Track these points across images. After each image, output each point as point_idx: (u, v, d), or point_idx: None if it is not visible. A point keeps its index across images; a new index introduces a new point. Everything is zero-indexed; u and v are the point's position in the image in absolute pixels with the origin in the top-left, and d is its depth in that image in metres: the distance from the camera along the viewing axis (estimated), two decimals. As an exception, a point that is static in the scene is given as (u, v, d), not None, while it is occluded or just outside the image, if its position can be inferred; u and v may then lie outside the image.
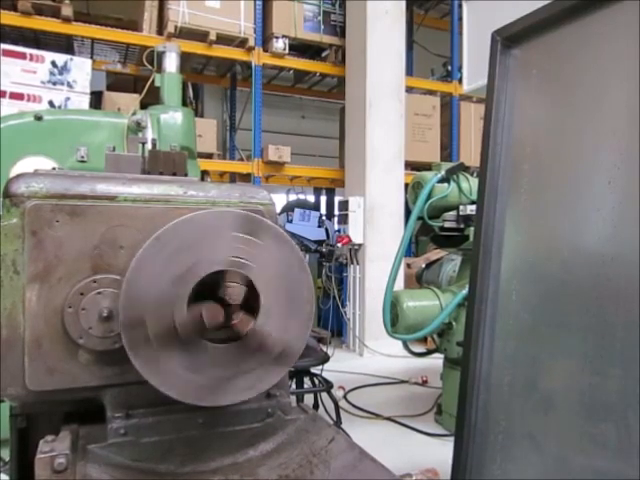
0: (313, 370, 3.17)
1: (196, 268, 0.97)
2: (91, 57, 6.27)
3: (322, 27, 6.65)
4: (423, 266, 4.28)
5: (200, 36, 5.87)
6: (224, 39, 5.99)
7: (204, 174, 4.40)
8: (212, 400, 1.01)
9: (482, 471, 1.57)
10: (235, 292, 0.95)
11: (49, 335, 0.99)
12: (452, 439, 1.67)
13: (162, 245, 0.96)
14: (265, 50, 6.35)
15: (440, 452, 3.03)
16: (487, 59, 1.68)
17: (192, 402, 0.98)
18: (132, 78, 6.89)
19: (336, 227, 6.58)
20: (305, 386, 3.22)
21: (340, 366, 4.95)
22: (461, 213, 3.35)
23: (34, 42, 5.85)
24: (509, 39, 1.63)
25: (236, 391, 1.03)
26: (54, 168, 2.06)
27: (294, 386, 3.08)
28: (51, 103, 4.55)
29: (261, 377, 1.04)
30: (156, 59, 3.27)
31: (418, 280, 4.24)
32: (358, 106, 6.09)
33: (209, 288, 0.99)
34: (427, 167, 4.26)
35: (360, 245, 5.91)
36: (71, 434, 0.99)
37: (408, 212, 3.75)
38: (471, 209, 3.26)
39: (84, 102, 4.72)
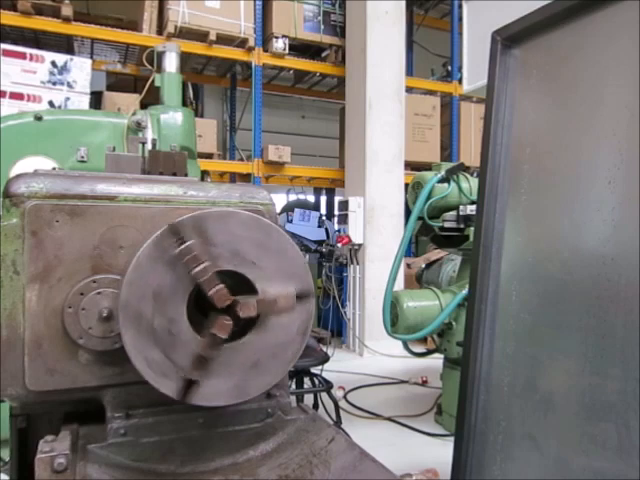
0: (313, 370, 3.17)
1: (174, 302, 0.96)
2: (91, 57, 6.27)
3: (322, 27, 6.65)
4: (423, 266, 4.28)
5: (200, 36, 5.88)
6: (224, 39, 6.00)
7: (204, 174, 4.40)
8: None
9: (482, 471, 1.57)
10: (220, 296, 0.93)
11: (49, 335, 0.99)
12: (452, 439, 1.67)
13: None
14: (265, 50, 6.35)
15: (440, 452, 3.03)
16: (487, 59, 1.68)
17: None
18: (132, 78, 6.90)
19: (336, 227, 6.58)
20: (305, 386, 3.22)
21: (340, 366, 4.96)
22: (461, 213, 3.35)
23: (34, 42, 5.85)
24: (509, 39, 1.63)
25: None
26: (54, 168, 2.06)
27: (294, 386, 3.08)
28: (51, 103, 4.55)
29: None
30: (156, 59, 3.27)
31: (418, 280, 4.24)
32: (358, 106, 6.09)
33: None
34: (427, 167, 4.26)
35: (360, 245, 5.91)
36: (71, 434, 0.99)
37: (408, 212, 3.75)
38: (471, 209, 3.26)
39: (84, 102, 4.72)
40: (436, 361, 3.85)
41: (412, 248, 8.02)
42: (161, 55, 3.24)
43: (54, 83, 4.59)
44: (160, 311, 0.95)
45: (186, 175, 1.37)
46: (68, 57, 4.76)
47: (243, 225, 1.00)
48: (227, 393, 1.00)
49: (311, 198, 10.31)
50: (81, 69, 4.72)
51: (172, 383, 0.95)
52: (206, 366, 0.96)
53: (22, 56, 4.54)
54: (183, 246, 0.94)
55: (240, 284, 1.00)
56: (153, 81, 3.25)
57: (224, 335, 0.92)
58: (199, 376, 0.96)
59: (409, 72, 7.67)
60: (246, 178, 6.51)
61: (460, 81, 4.94)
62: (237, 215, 1.01)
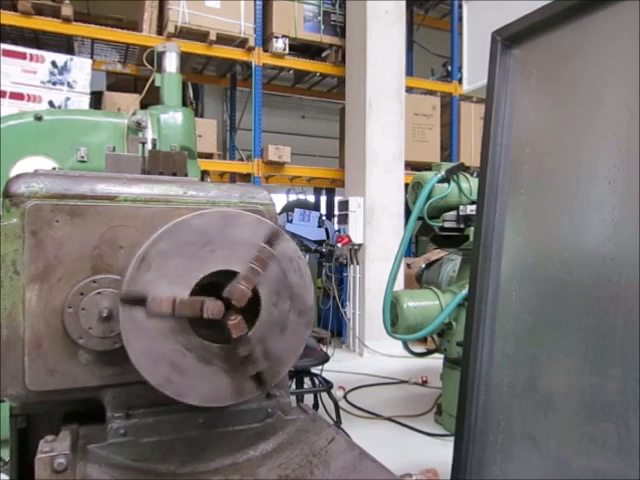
0: (313, 370, 3.17)
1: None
2: (91, 57, 6.26)
3: (322, 27, 6.65)
4: (423, 266, 4.28)
5: (200, 36, 5.88)
6: (224, 39, 5.99)
7: (204, 174, 4.40)
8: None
9: (482, 471, 1.57)
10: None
11: (49, 335, 0.99)
12: (452, 439, 1.67)
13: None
14: (265, 50, 6.35)
15: (440, 452, 3.03)
16: (487, 59, 1.68)
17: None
18: (132, 78, 6.90)
19: (336, 227, 6.57)
20: (305, 386, 3.22)
21: (340, 366, 4.96)
22: (461, 213, 3.35)
23: (34, 42, 5.85)
24: (509, 39, 1.63)
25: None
26: (54, 168, 2.06)
27: (294, 386, 3.08)
28: (51, 103, 4.55)
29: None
30: (156, 59, 3.27)
31: (418, 280, 4.24)
32: (358, 106, 6.09)
33: (212, 288, 0.99)
34: (427, 167, 4.26)
35: (360, 245, 5.91)
36: (71, 434, 0.99)
37: (408, 212, 3.75)
38: (471, 209, 3.26)
39: (84, 102, 4.72)
40: (436, 361, 3.85)
41: (412, 248, 8.02)
42: (161, 55, 3.24)
43: (54, 83, 4.59)
44: (183, 356, 0.96)
45: (186, 175, 1.37)
46: (68, 57, 4.76)
47: (173, 239, 1.00)
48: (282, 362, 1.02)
49: (311, 198, 10.31)
50: (81, 69, 4.72)
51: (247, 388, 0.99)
52: (254, 358, 0.97)
53: (22, 56, 4.54)
54: (148, 304, 0.93)
55: (219, 275, 1.00)
56: (153, 81, 3.25)
57: (243, 331, 0.94)
58: (257, 368, 0.98)
59: (409, 72, 7.67)
60: (246, 178, 6.51)
61: (460, 81, 4.94)
62: (163, 235, 0.99)
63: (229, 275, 0.98)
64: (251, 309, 0.99)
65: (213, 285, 0.98)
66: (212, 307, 0.92)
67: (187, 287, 0.96)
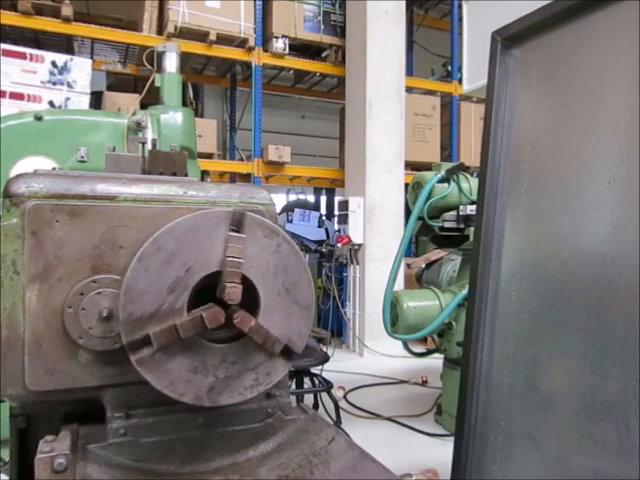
0: (313, 370, 3.17)
1: (191, 272, 0.97)
2: (91, 57, 6.26)
3: (322, 27, 6.65)
4: (423, 266, 4.28)
5: (200, 36, 5.88)
6: (224, 39, 5.99)
7: (204, 174, 4.40)
8: (213, 400, 1.01)
9: (482, 471, 1.57)
10: (233, 292, 0.95)
11: (49, 335, 0.99)
12: (452, 439, 1.67)
13: (157, 249, 0.96)
14: (265, 50, 6.35)
15: (440, 452, 3.03)
16: (487, 59, 1.68)
17: (192, 402, 0.98)
18: (132, 78, 6.89)
19: (336, 227, 6.58)
20: (305, 386, 3.22)
21: (340, 366, 4.95)
22: (461, 213, 3.35)
23: (34, 42, 5.85)
24: (509, 39, 1.63)
25: (237, 391, 1.03)
26: (54, 168, 2.06)
27: (294, 386, 3.08)
28: (51, 103, 4.55)
29: (263, 375, 1.04)
30: (156, 59, 3.27)
31: (418, 280, 4.24)
32: (358, 106, 6.09)
33: (210, 289, 0.99)
34: (427, 167, 4.26)
35: (360, 245, 5.91)
36: (71, 434, 0.99)
37: (408, 212, 3.75)
38: (471, 209, 3.26)
39: (84, 102, 4.72)
40: (436, 361, 3.85)
41: (412, 248, 8.02)
42: (161, 55, 3.24)
43: (54, 83, 4.59)
44: (177, 268, 0.97)
45: (186, 175, 1.37)
46: (68, 57, 4.76)
47: (288, 255, 1.05)
48: (163, 379, 0.97)
49: (311, 198, 10.31)
50: (81, 69, 4.72)
51: (133, 332, 0.95)
52: (173, 342, 0.95)
53: (22, 56, 4.54)
54: (236, 235, 0.98)
55: (245, 302, 1.00)
56: (153, 81, 3.25)
57: (211, 324, 0.93)
58: (158, 343, 0.94)
59: (409, 72, 7.67)
60: (246, 178, 6.51)
61: (460, 81, 4.94)
62: (290, 244, 1.06)
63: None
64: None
65: (212, 285, 0.99)
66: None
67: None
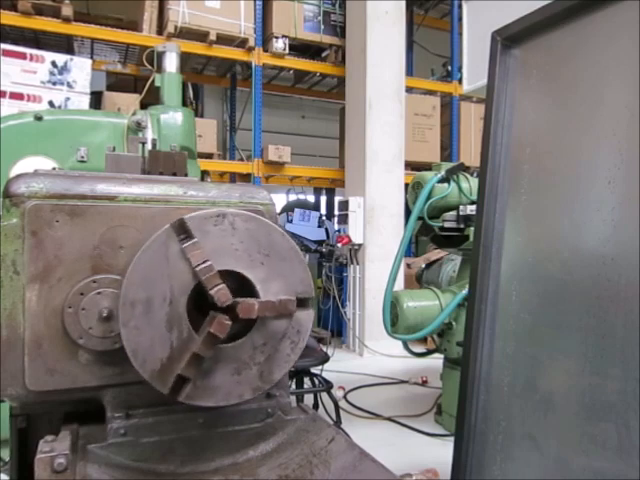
0: (313, 370, 3.17)
1: (174, 301, 0.96)
2: (91, 57, 6.26)
3: (322, 27, 6.65)
4: (423, 266, 4.28)
5: (200, 36, 5.87)
6: (224, 39, 5.99)
7: (204, 174, 4.40)
8: (270, 381, 1.02)
9: (482, 471, 1.57)
10: (221, 295, 0.93)
11: (49, 335, 0.99)
12: (452, 439, 1.67)
13: (132, 306, 0.95)
14: (265, 50, 6.35)
15: (440, 452, 3.03)
16: (487, 59, 1.68)
17: (255, 395, 0.99)
18: (132, 78, 6.89)
19: (336, 227, 6.57)
20: (305, 386, 3.22)
21: (340, 366, 4.95)
22: (461, 213, 3.35)
23: (34, 42, 5.85)
24: (509, 39, 1.63)
25: (284, 360, 1.04)
26: (54, 168, 2.06)
27: (294, 386, 3.08)
28: (51, 103, 4.54)
29: (295, 334, 1.05)
30: (156, 59, 3.27)
31: (418, 280, 4.24)
32: (358, 106, 6.09)
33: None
34: (427, 167, 4.26)
35: (360, 245, 5.91)
36: (71, 434, 0.99)
37: (408, 212, 3.75)
38: (471, 209, 3.26)
39: (84, 102, 4.72)
40: (436, 361, 3.85)
41: (412, 248, 8.02)
42: (161, 55, 3.24)
43: (54, 83, 4.59)
44: (160, 308, 0.95)
45: (186, 175, 1.37)
46: (68, 57, 4.76)
47: (247, 226, 1.01)
48: (218, 394, 1.00)
49: (311, 198, 10.31)
50: (81, 69, 4.72)
51: (167, 380, 0.96)
52: (201, 365, 0.96)
53: (22, 56, 4.54)
54: (189, 242, 0.95)
55: (241, 287, 1.00)
56: (153, 81, 3.25)
57: (222, 334, 0.92)
58: (192, 374, 0.96)
59: (409, 72, 7.67)
60: (246, 178, 6.51)
61: (460, 81, 4.94)
62: (242, 216, 1.01)
63: (248, 291, 1.00)
64: (233, 333, 0.99)
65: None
66: (223, 293, 0.93)
67: (220, 265, 0.97)
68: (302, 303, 1.05)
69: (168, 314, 0.96)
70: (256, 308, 0.95)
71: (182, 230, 0.96)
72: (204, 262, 0.94)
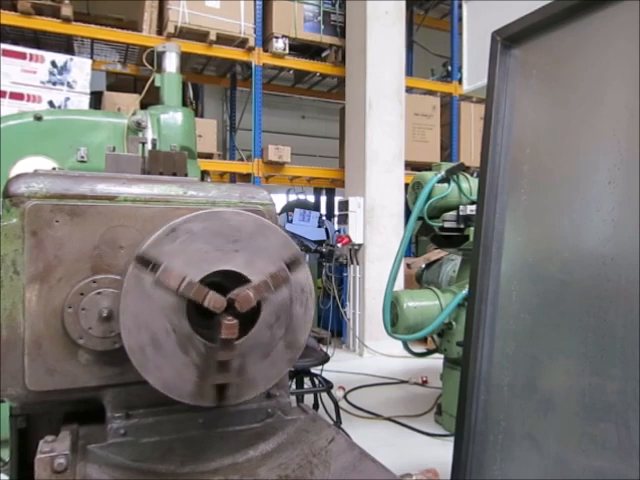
0: (313, 370, 3.17)
1: (176, 326, 0.96)
2: (91, 57, 6.26)
3: (322, 27, 6.65)
4: (423, 266, 4.28)
5: (200, 36, 5.88)
6: (224, 39, 5.99)
7: (204, 174, 4.40)
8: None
9: (482, 471, 1.57)
10: (214, 301, 0.93)
11: (49, 335, 0.99)
12: (452, 439, 1.67)
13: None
14: (265, 50, 6.35)
15: (440, 452, 3.03)
16: (487, 59, 1.68)
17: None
18: (132, 78, 6.90)
19: (336, 227, 6.57)
20: (305, 386, 3.22)
21: (340, 366, 4.96)
22: (461, 213, 3.35)
23: (34, 42, 5.85)
24: (509, 39, 1.63)
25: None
26: (54, 168, 2.06)
27: (294, 386, 3.08)
28: (51, 103, 4.54)
29: (300, 293, 1.05)
30: (156, 59, 3.27)
31: (418, 280, 4.24)
32: (358, 106, 6.09)
33: (215, 288, 0.99)
34: (427, 167, 4.26)
35: (360, 245, 5.91)
36: (71, 434, 0.99)
37: (408, 212, 3.75)
38: (471, 209, 3.26)
39: (84, 102, 4.72)
40: (436, 361, 3.85)
41: (412, 248, 8.02)
42: (161, 55, 3.24)
43: (54, 83, 4.59)
44: (167, 339, 0.95)
45: (186, 175, 1.37)
46: (68, 57, 4.76)
47: (204, 226, 0.99)
48: (259, 382, 1.03)
49: (311, 198, 10.31)
50: (81, 69, 4.71)
51: (207, 395, 0.98)
52: (230, 366, 0.97)
53: (22, 56, 4.54)
54: (160, 270, 0.93)
55: (231, 278, 0.99)
56: (153, 81, 3.25)
57: (234, 334, 0.93)
58: (227, 378, 0.97)
59: (409, 72, 7.67)
60: (246, 178, 6.51)
61: (460, 81, 4.94)
62: (194, 219, 0.99)
63: (238, 280, 0.98)
64: (245, 322, 0.99)
65: (217, 286, 0.98)
66: (215, 299, 0.92)
67: (200, 273, 0.95)
68: (293, 265, 1.03)
69: (177, 341, 0.95)
70: (252, 295, 0.95)
71: (146, 262, 0.94)
72: (183, 280, 0.92)
